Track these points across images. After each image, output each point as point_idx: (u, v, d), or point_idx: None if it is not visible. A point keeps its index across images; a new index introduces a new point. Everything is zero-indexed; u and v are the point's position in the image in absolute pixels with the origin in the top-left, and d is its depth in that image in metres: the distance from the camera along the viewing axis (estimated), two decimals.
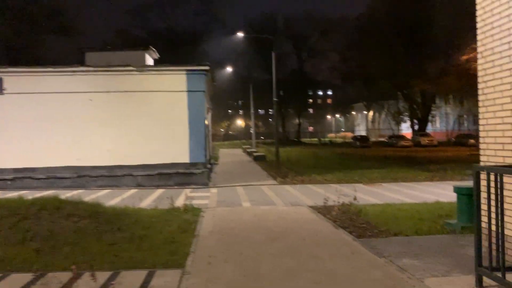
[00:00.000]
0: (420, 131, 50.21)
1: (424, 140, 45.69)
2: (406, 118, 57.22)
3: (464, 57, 40.03)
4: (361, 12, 65.95)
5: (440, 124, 68.97)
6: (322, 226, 7.62)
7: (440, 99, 57.06)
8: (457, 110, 62.33)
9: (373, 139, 57.00)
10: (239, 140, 67.12)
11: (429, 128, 56.81)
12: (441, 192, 12.05)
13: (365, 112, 77.00)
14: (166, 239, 6.50)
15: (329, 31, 60.61)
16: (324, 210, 9.20)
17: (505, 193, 4.11)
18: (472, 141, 46.25)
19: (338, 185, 14.17)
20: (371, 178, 15.47)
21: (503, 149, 4.96)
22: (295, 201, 10.91)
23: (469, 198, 6.74)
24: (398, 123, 60.92)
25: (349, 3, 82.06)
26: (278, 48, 22.57)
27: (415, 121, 53.65)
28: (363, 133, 69.88)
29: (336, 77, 72.38)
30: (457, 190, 6.93)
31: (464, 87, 46.75)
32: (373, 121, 75.49)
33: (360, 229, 7.33)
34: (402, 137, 48.68)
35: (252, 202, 10.87)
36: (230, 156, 32.96)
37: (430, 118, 54.72)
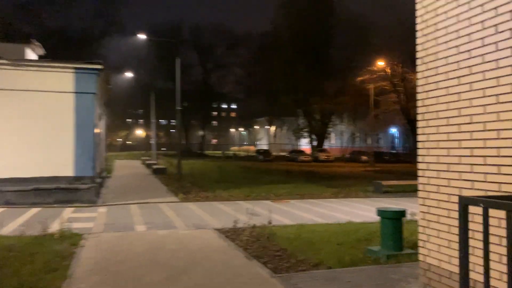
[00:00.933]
0: (318, 147, 52.14)
1: (322, 156, 47.38)
2: (306, 134, 59.24)
3: (360, 79, 42.57)
4: (266, 30, 67.66)
5: (335, 140, 72.92)
6: (233, 257, 6.41)
7: (337, 117, 60.26)
8: (351, 128, 66.22)
9: (274, 153, 57.83)
10: (139, 151, 63.50)
11: (326, 144, 59.40)
12: (350, 210, 11.66)
13: (268, 127, 78.51)
14: (21, 286, 4.73)
15: (235, 45, 60.75)
16: (233, 234, 8.03)
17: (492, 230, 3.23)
18: (364, 157, 49.10)
19: (245, 202, 13.15)
20: (278, 194, 14.75)
21: (447, 170, 4.27)
22: (200, 223, 9.57)
23: (394, 223, 6.08)
24: (298, 138, 62.85)
25: (256, 20, 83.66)
26: (183, 57, 21.23)
27: (314, 137, 55.77)
28: (265, 147, 70.91)
29: (241, 91, 73.08)
30: (381, 213, 6.24)
31: (358, 106, 49.93)
32: (275, 135, 77.18)
33: (276, 258, 6.28)
34: (302, 152, 50.04)
35: (148, 225, 9.28)
36: (126, 168, 30.37)
37: (326, 135, 57.31)
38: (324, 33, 51.03)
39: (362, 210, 11.65)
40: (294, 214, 10.82)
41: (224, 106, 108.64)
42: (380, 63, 39.15)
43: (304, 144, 62.67)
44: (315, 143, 55.62)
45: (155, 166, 26.01)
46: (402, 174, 27.02)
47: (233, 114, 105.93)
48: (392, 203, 12.94)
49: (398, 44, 39.38)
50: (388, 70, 39.83)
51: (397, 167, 37.70)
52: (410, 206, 10.56)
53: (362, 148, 65.61)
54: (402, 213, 6.11)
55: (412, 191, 16.64)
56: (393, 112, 41.63)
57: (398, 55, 38.94)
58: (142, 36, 21.97)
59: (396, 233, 6.07)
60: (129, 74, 42.71)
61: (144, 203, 12.79)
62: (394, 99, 39.97)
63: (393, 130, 76.06)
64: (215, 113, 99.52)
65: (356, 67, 46.27)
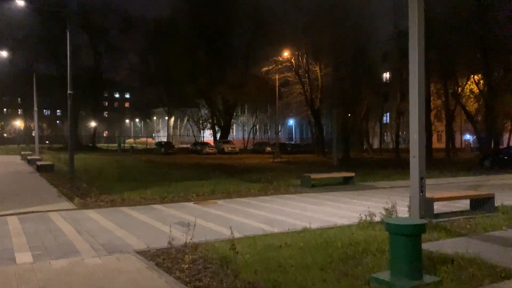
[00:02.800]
0: (223, 139, 50.50)
1: (228, 148, 45.88)
2: (209, 125, 57.06)
3: (264, 69, 41.73)
4: (164, 14, 63.62)
5: (236, 132, 72.09)
6: None
7: (240, 108, 59.19)
8: (252, 120, 65.78)
9: (176, 145, 54.78)
10: (17, 144, 55.38)
11: (229, 136, 58.08)
12: (292, 211, 9.97)
13: (166, 118, 74.62)
14: None
15: (129, 28, 55.77)
16: (166, 259, 5.75)
17: None
18: (268, 149, 48.82)
19: (163, 206, 10.72)
20: (199, 193, 12.52)
21: None
22: (113, 243, 7.00)
23: (412, 241, 4.40)
24: (200, 130, 60.48)
25: (153, 2, 78.46)
26: (70, 37, 17.61)
27: (217, 128, 53.94)
28: (164, 139, 67.16)
29: (136, 79, 67.93)
30: (393, 228, 4.50)
31: (263, 97, 49.32)
32: (174, 127, 73.63)
33: None
34: (207, 144, 47.93)
35: (35, 252, 6.44)
36: (1, 165, 25.29)
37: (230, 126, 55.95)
38: (225, 20, 49.14)
39: (306, 210, 10.03)
40: (232, 220, 8.76)
41: (117, 95, 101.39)
42: (285, 54, 38.65)
43: (207, 136, 60.53)
44: (218, 134, 53.86)
45: (39, 163, 21.77)
46: (321, 166, 26.59)
47: (127, 104, 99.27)
48: (334, 200, 11.60)
49: (302, 35, 39.25)
50: (293, 61, 39.51)
51: (303, 158, 37.70)
52: (363, 204, 9.10)
53: (263, 139, 65.78)
54: (422, 228, 4.45)
55: (337, 184, 15.71)
56: (297, 103, 41.54)
57: (302, 46, 38.78)
58: (20, 2, 17.74)
59: (414, 255, 4.40)
60: (3, 53, 36.23)
61: (27, 213, 9.62)
62: (299, 90, 39.82)
63: (291, 122, 77.94)
64: (107, 102, 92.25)
65: (260, 57, 45.44)
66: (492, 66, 37.98)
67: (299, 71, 39.35)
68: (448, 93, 40.43)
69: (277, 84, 38.55)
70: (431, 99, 45.18)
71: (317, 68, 38.77)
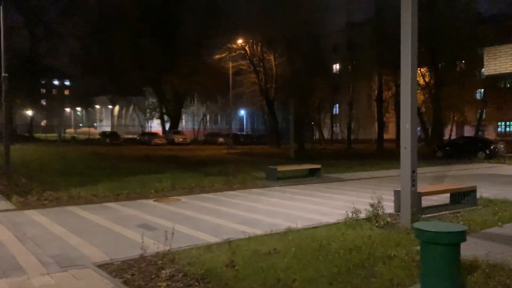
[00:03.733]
0: (173, 129, 48.64)
1: (178, 138, 44.25)
2: (157, 115, 54.77)
3: (217, 57, 40.46)
4: None
5: (186, 122, 70.11)
6: None
7: (190, 97, 57.30)
8: (203, 109, 64.15)
9: (122, 136, 52.11)
10: None
11: (179, 126, 56.29)
12: (267, 208, 9.10)
13: (110, 107, 71.06)
14: None
15: (69, 11, 51.90)
16: (138, 276, 4.68)
17: None
18: (221, 139, 47.73)
19: (118, 204, 9.46)
20: (158, 189, 11.34)
21: None
22: (65, 254, 5.75)
23: (451, 251, 3.67)
24: (148, 119, 58.02)
25: None
26: (5, 20, 15.45)
27: (166, 118, 51.86)
28: (108, 129, 63.89)
29: (76, 65, 63.74)
30: (428, 235, 3.74)
31: (215, 86, 47.92)
32: (119, 116, 70.36)
33: None
34: (156, 135, 45.97)
35: None
36: None
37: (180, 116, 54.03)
38: (175, 5, 47.07)
39: (281, 207, 9.21)
40: (202, 221, 7.75)
41: (56, 82, 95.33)
42: (239, 41, 37.62)
43: (155, 126, 58.19)
44: (167, 125, 51.83)
45: None
46: (278, 157, 25.91)
47: (67, 92, 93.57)
48: (306, 194, 10.88)
49: (256, 23, 38.33)
50: (247, 49, 38.56)
51: (257, 149, 37.02)
52: (338, 199, 8.38)
53: (214, 130, 64.44)
54: (463, 235, 3.72)
55: (303, 176, 15.08)
56: (251, 93, 40.68)
57: (256, 34, 37.89)
58: None
59: (454, 268, 3.67)
60: None
61: None
62: (253, 79, 38.98)
63: (242, 112, 77.04)
64: (45, 90, 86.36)
65: (213, 45, 43.94)
66: (439, 59, 39.28)
67: (254, 59, 38.47)
68: (398, 85, 41.31)
69: (230, 73, 37.47)
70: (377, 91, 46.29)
71: (272, 57, 38.11)
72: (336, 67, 57.18)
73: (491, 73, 12.71)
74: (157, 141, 41.97)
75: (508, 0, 38.26)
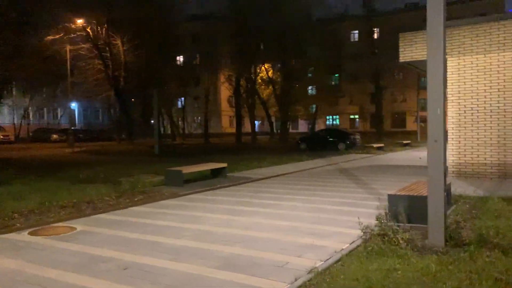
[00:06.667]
0: None
1: None
2: None
3: (49, 38, 33.85)
4: None
5: (4, 116, 58.19)
6: None
7: (9, 86, 47.32)
8: (25, 102, 54.08)
9: None
10: None
11: None
12: (223, 232, 6.42)
13: None
14: None
15: None
16: None
17: None
18: (55, 136, 40.77)
19: None
20: (22, 212, 7.47)
21: None
22: None
23: None
24: None
25: None
26: None
27: None
28: None
29: None
30: None
31: (45, 73, 40.43)
32: None
33: None
34: None
35: None
36: None
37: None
38: None
39: (234, 227, 6.60)
40: (138, 271, 4.74)
41: None
42: (79, 21, 32.09)
43: None
44: None
45: None
46: (140, 155, 22.21)
47: None
48: (242, 203, 8.39)
49: (101, 3, 33.16)
50: (89, 31, 33.19)
51: (105, 146, 32.26)
52: (288, 206, 5.90)
53: (41, 125, 55.01)
54: None
55: (207, 177, 12.37)
56: (94, 83, 35.20)
57: (100, 14, 32.82)
58: None
59: None
60: None
61: None
62: (99, 66, 33.80)
63: (73, 105, 67.95)
64: None
65: (41, 24, 36.58)
66: (288, 55, 40.64)
67: (99, 43, 33.34)
68: (253, 80, 41.52)
69: (68, 57, 31.74)
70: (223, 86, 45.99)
71: (119, 42, 33.62)
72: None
73: (407, 60, 12.34)
74: None
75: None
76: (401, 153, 22.96)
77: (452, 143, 11.58)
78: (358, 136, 27.65)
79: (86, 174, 12.99)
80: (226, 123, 66.43)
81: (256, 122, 58.88)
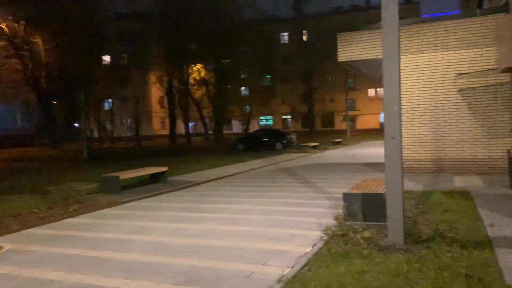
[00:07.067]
0: None
1: None
2: None
3: None
4: None
5: None
6: None
7: None
8: None
9: None
10: None
11: None
12: (178, 243, 5.95)
13: None
14: None
15: None
16: None
17: None
18: None
19: None
20: None
21: None
22: None
23: None
24: None
25: None
26: None
27: None
28: None
29: None
30: None
31: None
32: None
33: None
34: None
35: None
36: None
37: None
38: None
39: (191, 236, 6.15)
40: None
41: None
42: None
43: None
44: None
45: None
46: (65, 161, 20.58)
47: None
48: (191, 209, 7.93)
49: None
50: (5, 27, 30.42)
51: (23, 152, 29.76)
52: (238, 210, 5.91)
53: None
54: None
55: (145, 183, 11.61)
56: (13, 83, 32.27)
57: (18, 10, 30.19)
58: None
59: None
60: None
61: None
62: (18, 66, 31.06)
63: None
64: None
65: None
66: (220, 55, 40.38)
67: (16, 41, 30.66)
68: (185, 80, 40.70)
69: None
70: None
71: (39, 40, 31.20)
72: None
73: (344, 59, 12.57)
74: None
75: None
76: (335, 151, 23.59)
77: None
78: (294, 136, 28.04)
79: (8, 184, 11.71)
80: (157, 125, 64.53)
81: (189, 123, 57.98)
